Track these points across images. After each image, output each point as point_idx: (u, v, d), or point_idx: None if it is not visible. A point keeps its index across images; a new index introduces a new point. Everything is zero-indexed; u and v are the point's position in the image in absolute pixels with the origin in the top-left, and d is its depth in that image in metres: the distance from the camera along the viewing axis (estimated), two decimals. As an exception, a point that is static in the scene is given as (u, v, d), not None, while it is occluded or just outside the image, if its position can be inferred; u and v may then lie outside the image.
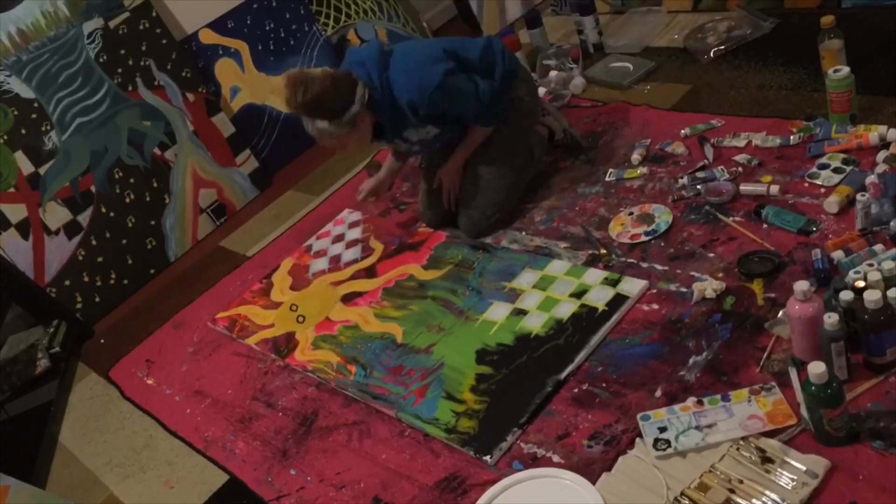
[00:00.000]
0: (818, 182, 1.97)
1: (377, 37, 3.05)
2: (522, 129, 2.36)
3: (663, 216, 2.08)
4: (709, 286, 1.79)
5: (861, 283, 1.47)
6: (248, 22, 3.21)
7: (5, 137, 2.66)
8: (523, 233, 2.28)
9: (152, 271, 2.97)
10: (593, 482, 1.49)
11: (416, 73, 2.08)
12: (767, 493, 1.34)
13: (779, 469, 1.37)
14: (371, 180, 2.49)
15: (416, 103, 2.09)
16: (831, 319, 1.38)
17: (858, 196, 1.78)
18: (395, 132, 2.21)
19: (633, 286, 1.91)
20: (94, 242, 2.84)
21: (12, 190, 2.68)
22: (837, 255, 1.68)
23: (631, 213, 2.15)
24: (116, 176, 2.89)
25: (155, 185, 2.97)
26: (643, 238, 2.05)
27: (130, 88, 2.91)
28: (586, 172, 2.41)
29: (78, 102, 2.80)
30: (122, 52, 2.89)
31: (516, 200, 2.37)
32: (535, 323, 1.94)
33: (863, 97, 2.14)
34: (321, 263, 2.54)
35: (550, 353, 1.83)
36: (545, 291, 2.02)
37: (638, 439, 1.54)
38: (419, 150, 2.39)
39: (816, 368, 1.31)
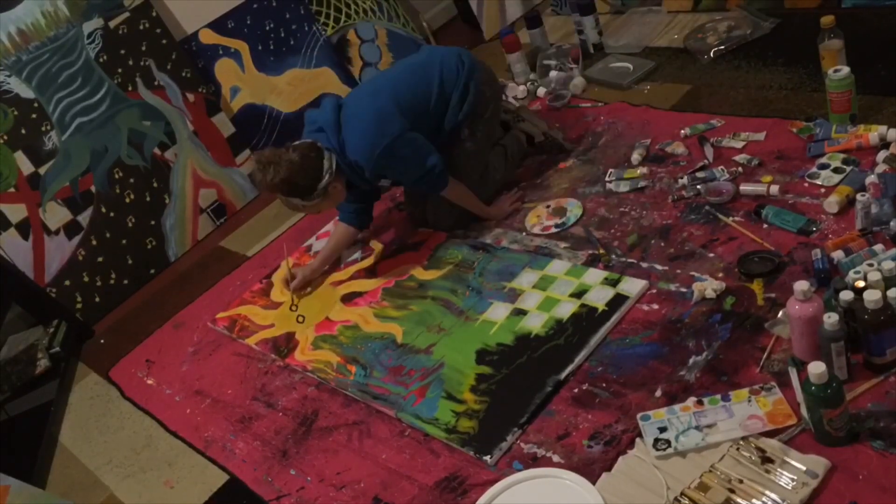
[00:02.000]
0: (818, 182, 1.97)
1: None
2: (484, 140, 2.38)
3: (574, 210, 2.22)
4: (709, 286, 1.79)
5: (861, 283, 1.47)
6: (248, 22, 3.21)
7: (5, 137, 2.66)
8: (523, 233, 2.28)
9: (152, 271, 2.96)
10: (593, 482, 1.49)
11: (366, 135, 2.11)
12: (767, 493, 1.34)
13: (779, 469, 1.37)
14: (305, 269, 2.43)
15: (362, 165, 2.13)
16: (831, 319, 1.38)
17: (858, 196, 1.78)
18: (362, 183, 2.25)
19: (633, 286, 1.91)
20: (94, 242, 2.84)
21: (12, 190, 2.68)
22: (837, 255, 1.68)
23: (548, 206, 2.26)
24: (116, 176, 2.88)
25: (155, 185, 2.97)
26: (553, 230, 2.19)
27: (130, 88, 2.91)
28: (586, 172, 2.41)
29: (78, 102, 2.80)
30: (122, 52, 2.89)
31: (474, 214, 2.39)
32: (535, 323, 1.94)
33: (863, 97, 2.14)
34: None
35: (550, 353, 1.83)
36: (545, 291, 2.02)
37: (638, 439, 1.54)
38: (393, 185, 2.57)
39: (816, 368, 1.31)
